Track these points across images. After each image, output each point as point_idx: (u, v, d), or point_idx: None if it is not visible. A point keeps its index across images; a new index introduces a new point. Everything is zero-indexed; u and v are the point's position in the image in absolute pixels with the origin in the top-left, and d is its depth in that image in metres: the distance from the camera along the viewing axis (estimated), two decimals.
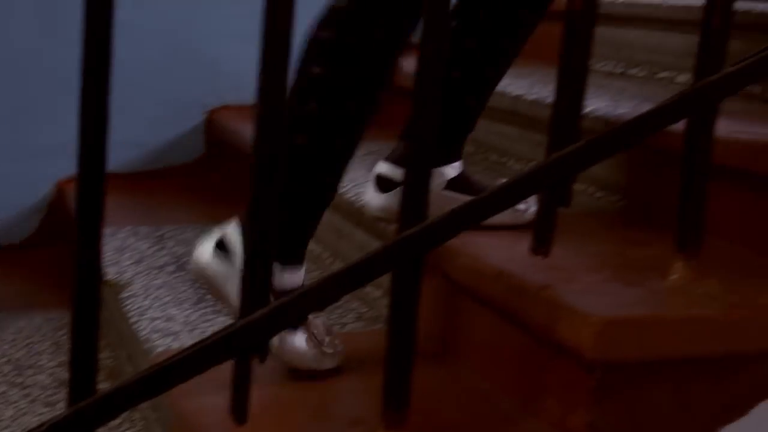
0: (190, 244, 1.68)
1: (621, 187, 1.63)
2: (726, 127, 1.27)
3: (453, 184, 1.55)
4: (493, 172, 1.98)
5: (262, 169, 0.98)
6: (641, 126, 1.03)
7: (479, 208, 1.00)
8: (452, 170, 1.56)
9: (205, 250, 1.42)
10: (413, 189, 1.00)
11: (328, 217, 1.52)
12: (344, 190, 1.75)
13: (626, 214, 1.63)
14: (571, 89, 1.11)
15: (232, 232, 1.39)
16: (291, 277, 1.39)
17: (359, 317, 1.70)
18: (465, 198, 1.14)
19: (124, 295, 1.88)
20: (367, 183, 1.61)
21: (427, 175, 1.01)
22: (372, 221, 1.64)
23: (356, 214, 1.73)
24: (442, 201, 1.26)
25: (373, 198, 1.58)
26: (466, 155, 1.63)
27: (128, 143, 2.68)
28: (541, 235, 1.15)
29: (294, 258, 1.40)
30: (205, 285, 1.45)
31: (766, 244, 1.37)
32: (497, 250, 1.38)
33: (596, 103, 1.67)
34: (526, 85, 1.96)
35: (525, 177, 1.03)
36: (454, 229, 1.00)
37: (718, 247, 1.32)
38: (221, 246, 1.40)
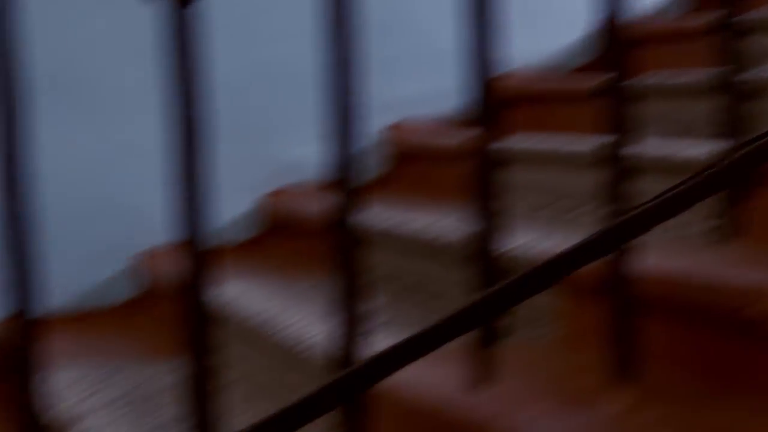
0: (135, 380, 1.80)
1: (563, 313, 1.67)
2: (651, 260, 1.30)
3: None
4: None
5: None
6: (571, 261, 1.06)
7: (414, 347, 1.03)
8: None
9: None
10: None
11: None
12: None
13: (568, 341, 1.65)
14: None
15: None
16: None
17: None
18: None
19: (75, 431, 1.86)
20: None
21: None
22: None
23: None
24: None
25: None
26: None
27: (60, 286, 2.76)
28: (482, 368, 1.18)
29: None
30: None
31: (700, 369, 1.41)
32: (430, 388, 1.40)
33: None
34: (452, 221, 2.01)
35: (465, 310, 1.05)
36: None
37: (657, 372, 1.35)
38: None
